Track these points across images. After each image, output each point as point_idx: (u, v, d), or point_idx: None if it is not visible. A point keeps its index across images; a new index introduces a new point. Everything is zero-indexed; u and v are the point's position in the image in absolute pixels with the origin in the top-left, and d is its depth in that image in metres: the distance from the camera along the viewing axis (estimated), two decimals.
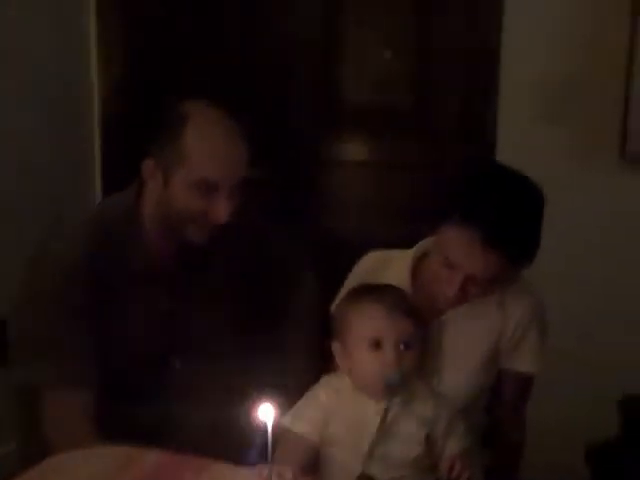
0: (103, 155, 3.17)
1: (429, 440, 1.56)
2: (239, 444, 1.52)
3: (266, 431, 1.21)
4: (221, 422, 1.78)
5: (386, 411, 1.53)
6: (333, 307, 1.79)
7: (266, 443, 1.23)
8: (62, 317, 1.66)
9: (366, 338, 1.53)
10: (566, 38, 2.56)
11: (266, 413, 1.20)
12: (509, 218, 1.52)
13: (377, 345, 1.52)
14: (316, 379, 1.63)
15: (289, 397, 1.57)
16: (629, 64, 2.46)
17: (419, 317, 1.58)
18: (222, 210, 1.66)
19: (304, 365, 1.87)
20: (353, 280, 1.75)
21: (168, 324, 1.79)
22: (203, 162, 1.65)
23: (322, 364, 1.71)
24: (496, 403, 1.76)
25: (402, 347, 1.52)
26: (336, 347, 1.61)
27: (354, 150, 2.99)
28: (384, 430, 1.53)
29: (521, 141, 2.64)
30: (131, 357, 1.73)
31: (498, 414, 1.76)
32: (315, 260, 2.03)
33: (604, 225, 2.57)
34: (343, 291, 1.77)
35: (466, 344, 1.68)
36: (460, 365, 1.67)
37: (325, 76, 2.99)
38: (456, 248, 1.53)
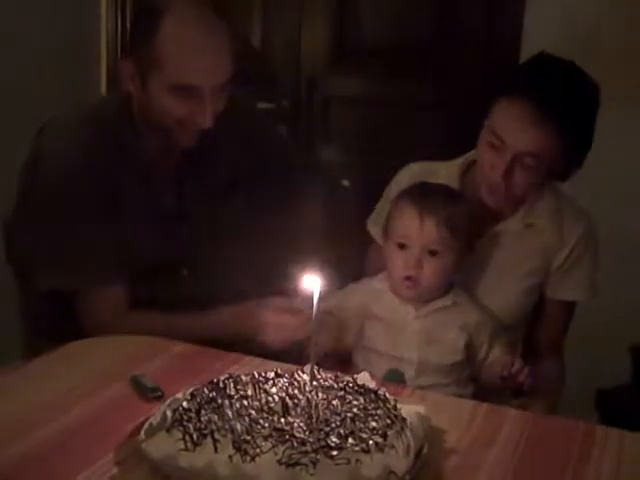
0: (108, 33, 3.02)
1: (469, 349, 1.51)
2: None
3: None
4: None
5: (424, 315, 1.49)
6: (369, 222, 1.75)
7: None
8: (75, 221, 1.54)
9: (395, 238, 1.50)
10: None
11: (313, 284, 1.13)
12: (562, 90, 1.46)
13: (402, 246, 1.48)
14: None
15: None
16: None
17: (459, 226, 1.48)
18: (205, 115, 1.51)
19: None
20: (395, 191, 1.65)
21: (175, 227, 1.66)
22: (178, 66, 1.48)
23: None
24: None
25: (427, 253, 1.47)
26: (384, 247, 1.56)
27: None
28: (423, 335, 1.49)
29: None
30: (140, 263, 1.62)
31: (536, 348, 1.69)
32: None
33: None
34: (381, 204, 1.71)
35: (517, 260, 1.61)
36: (508, 282, 1.60)
37: None
38: (506, 122, 1.47)
